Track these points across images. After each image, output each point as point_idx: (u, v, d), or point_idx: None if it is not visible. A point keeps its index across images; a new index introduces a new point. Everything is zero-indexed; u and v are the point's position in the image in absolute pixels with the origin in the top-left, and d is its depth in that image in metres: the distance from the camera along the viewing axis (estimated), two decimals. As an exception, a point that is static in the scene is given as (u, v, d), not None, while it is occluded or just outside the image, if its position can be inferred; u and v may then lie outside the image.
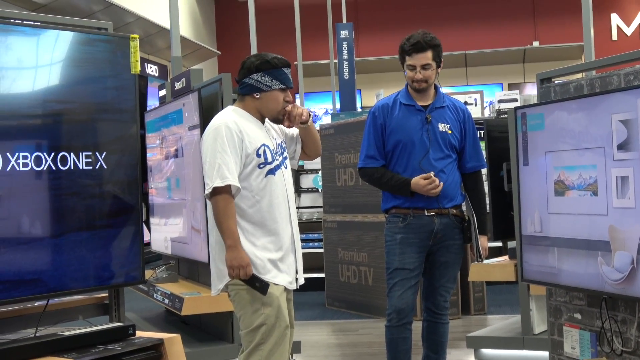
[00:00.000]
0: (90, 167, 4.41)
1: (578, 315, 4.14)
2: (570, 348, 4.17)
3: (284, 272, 3.78)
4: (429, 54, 4.40)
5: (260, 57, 3.83)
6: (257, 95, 3.81)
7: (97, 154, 4.44)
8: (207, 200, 3.73)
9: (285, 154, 3.94)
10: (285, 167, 3.91)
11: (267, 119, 3.91)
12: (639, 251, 3.47)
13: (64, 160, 4.28)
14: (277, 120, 3.90)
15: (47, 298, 4.37)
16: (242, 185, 3.70)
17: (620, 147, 3.57)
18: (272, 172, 3.78)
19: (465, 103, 8.60)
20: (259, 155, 3.74)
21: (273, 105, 3.83)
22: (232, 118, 3.76)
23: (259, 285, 3.65)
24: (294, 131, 4.08)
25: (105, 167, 4.49)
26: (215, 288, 3.82)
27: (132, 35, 4.65)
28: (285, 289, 3.80)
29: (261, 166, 3.75)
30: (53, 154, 4.23)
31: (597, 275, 3.72)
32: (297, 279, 3.90)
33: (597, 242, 3.71)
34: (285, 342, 3.73)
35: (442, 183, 4.37)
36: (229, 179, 3.62)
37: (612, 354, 3.89)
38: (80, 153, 4.36)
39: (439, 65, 4.48)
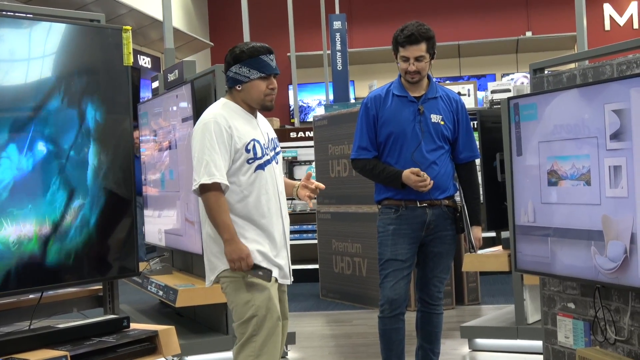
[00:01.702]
0: (84, 160, 4.40)
1: (572, 305, 4.15)
2: (564, 337, 4.19)
3: (275, 265, 3.78)
4: (422, 46, 4.39)
5: (240, 47, 3.79)
6: (239, 87, 3.79)
7: (90, 146, 4.44)
8: (196, 195, 3.73)
9: (277, 149, 3.92)
10: (277, 162, 3.89)
11: (259, 113, 3.91)
12: (632, 240, 3.48)
13: (56, 152, 4.27)
14: (265, 108, 3.86)
15: (41, 290, 4.37)
16: (231, 180, 3.69)
17: (613, 137, 3.57)
18: (261, 167, 3.76)
19: (459, 94, 8.58)
20: (247, 151, 3.72)
21: (255, 94, 3.79)
22: (222, 113, 3.74)
23: (262, 273, 3.66)
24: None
25: (99, 159, 4.48)
26: (209, 279, 3.83)
27: (124, 27, 4.63)
28: (277, 281, 3.81)
29: (250, 161, 3.73)
30: (46, 145, 4.22)
31: (590, 264, 3.73)
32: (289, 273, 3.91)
33: (590, 231, 3.72)
34: (278, 333, 3.73)
35: (432, 181, 4.36)
36: (216, 177, 3.61)
37: (605, 343, 3.90)
38: (73, 145, 4.35)
39: (433, 57, 4.47)
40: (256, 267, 3.66)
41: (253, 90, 3.78)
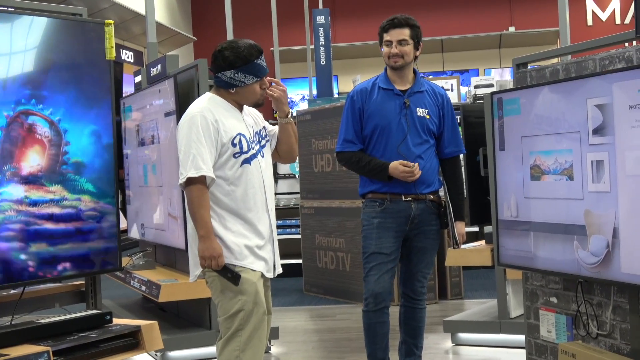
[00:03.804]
0: (66, 154, 4.38)
1: (554, 299, 4.16)
2: (547, 332, 4.20)
3: (261, 259, 3.78)
4: (405, 31, 4.41)
5: (232, 51, 3.72)
6: (233, 90, 3.78)
7: (73, 141, 4.41)
8: (182, 188, 3.72)
9: (263, 142, 3.90)
10: (263, 156, 3.87)
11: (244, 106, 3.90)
12: (614, 235, 3.49)
13: (40, 148, 4.25)
14: (257, 105, 3.88)
15: (23, 286, 4.34)
16: (217, 174, 3.69)
17: (596, 131, 3.58)
18: (247, 161, 3.76)
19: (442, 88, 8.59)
20: (234, 145, 3.72)
21: (250, 96, 3.80)
22: (208, 107, 3.73)
23: (230, 275, 3.64)
24: (274, 129, 4.04)
25: (82, 154, 4.46)
26: (193, 274, 3.82)
27: (107, 21, 4.61)
28: (263, 276, 3.80)
29: (236, 155, 3.73)
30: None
31: (573, 259, 3.74)
32: (274, 267, 3.90)
33: (573, 226, 3.73)
34: (263, 328, 3.73)
35: (420, 171, 4.37)
36: (203, 170, 3.60)
37: (587, 337, 3.92)
38: (57, 140, 4.33)
39: (418, 46, 4.48)
40: (225, 269, 3.65)
41: (249, 93, 3.78)
